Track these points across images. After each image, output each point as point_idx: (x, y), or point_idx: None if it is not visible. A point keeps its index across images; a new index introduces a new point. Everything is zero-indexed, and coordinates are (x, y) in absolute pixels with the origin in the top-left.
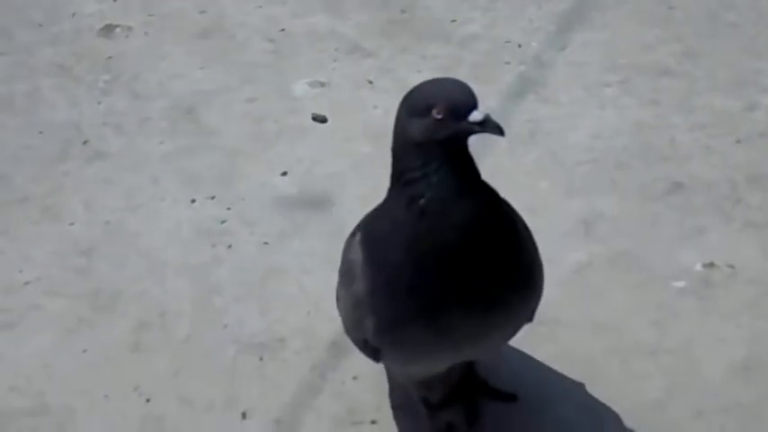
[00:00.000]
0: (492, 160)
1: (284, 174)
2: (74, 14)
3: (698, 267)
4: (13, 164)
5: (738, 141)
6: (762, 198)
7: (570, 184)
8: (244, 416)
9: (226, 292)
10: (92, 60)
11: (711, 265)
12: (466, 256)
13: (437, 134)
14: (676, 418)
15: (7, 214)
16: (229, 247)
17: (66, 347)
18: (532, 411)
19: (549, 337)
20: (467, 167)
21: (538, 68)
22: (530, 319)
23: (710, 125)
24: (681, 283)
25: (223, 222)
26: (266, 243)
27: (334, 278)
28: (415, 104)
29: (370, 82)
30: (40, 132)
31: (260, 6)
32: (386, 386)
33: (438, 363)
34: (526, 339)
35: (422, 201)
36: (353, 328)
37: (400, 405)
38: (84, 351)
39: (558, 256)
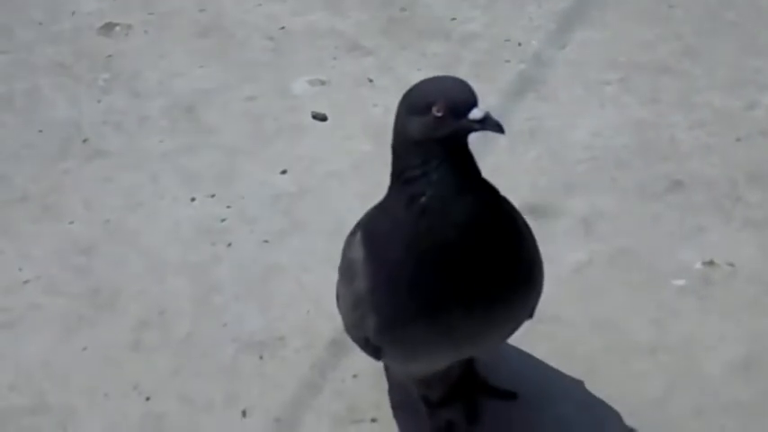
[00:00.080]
0: (492, 158)
1: (284, 172)
2: (74, 13)
3: (698, 266)
4: (12, 162)
5: (738, 140)
6: (762, 196)
7: (570, 183)
8: (244, 414)
9: (226, 290)
10: (92, 59)
11: (711, 263)
12: (466, 254)
13: (437, 132)
14: (676, 416)
15: (7, 213)
16: (229, 245)
17: (66, 346)
18: (532, 409)
19: (548, 336)
20: (467, 165)
21: (538, 67)
22: (530, 316)
23: (710, 123)
24: (681, 282)
25: (223, 221)
26: (266, 241)
27: (334, 276)
28: (414, 102)
29: (370, 80)
30: (40, 131)
31: (259, 4)
32: (386, 384)
33: (438, 360)
34: (526, 337)
35: (422, 199)
36: (354, 327)
37: (400, 403)
38: (84, 349)
39: (558, 254)
